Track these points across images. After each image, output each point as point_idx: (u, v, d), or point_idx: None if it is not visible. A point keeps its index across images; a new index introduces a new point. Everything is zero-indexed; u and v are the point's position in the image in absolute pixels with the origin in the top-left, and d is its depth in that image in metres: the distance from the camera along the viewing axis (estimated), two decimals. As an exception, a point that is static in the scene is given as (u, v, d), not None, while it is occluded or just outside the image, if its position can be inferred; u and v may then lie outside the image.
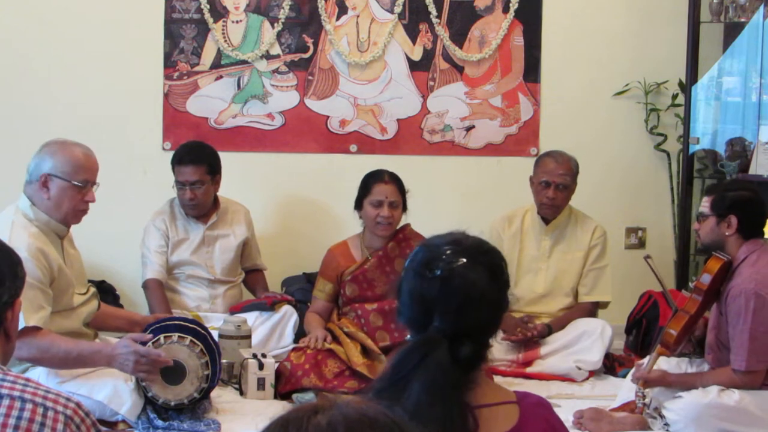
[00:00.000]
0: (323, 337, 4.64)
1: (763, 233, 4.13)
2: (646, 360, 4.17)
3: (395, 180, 4.87)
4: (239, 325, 4.71)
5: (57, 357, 3.81)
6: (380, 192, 4.81)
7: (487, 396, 1.96)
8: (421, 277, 1.98)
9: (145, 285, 5.04)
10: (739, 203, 4.03)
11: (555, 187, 5.13)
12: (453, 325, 1.93)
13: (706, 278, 4.03)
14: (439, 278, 1.96)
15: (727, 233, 4.03)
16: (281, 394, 4.50)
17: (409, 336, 2.02)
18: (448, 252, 1.99)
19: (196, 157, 5.03)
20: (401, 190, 4.86)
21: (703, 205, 4.13)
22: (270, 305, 5.06)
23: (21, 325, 3.70)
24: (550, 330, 5.05)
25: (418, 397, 1.85)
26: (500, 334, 5.06)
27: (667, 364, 4.20)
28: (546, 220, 5.25)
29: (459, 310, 1.94)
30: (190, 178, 5.01)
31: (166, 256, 5.10)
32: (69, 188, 3.96)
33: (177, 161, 5.06)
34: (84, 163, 4.00)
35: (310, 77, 5.68)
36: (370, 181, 4.87)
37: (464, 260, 1.97)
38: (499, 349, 5.02)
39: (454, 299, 1.94)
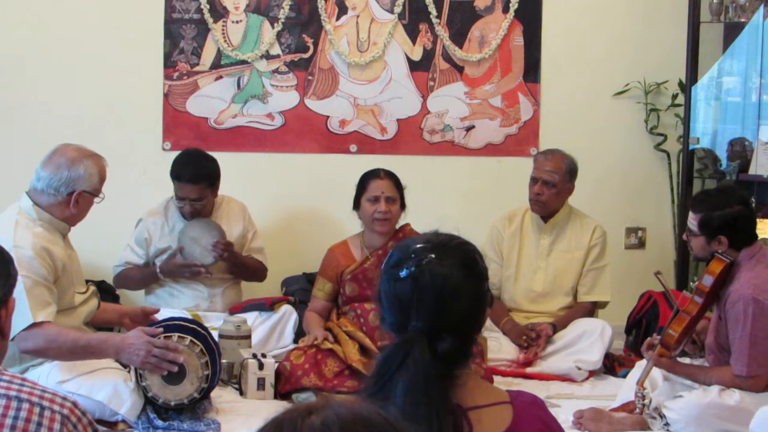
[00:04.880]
0: (323, 337, 4.65)
1: (756, 237, 4.12)
2: (646, 359, 4.16)
3: (390, 176, 4.89)
4: (239, 325, 4.71)
5: (65, 347, 3.80)
6: (376, 188, 4.83)
7: (480, 397, 1.95)
8: (393, 278, 1.98)
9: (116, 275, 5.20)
10: (728, 224, 4.00)
11: (542, 183, 5.13)
12: (430, 322, 1.93)
13: (708, 280, 4.02)
14: (409, 277, 1.96)
15: (719, 250, 4.03)
16: (281, 394, 4.50)
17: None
18: (417, 250, 1.98)
19: (194, 175, 4.98)
20: (397, 186, 4.87)
21: (691, 222, 4.09)
22: (269, 305, 5.06)
23: (29, 321, 3.71)
24: (555, 329, 5.05)
25: (402, 397, 1.85)
26: (503, 338, 5.10)
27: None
28: (544, 219, 5.25)
29: (434, 306, 1.94)
30: (190, 195, 5.00)
31: (142, 259, 5.14)
32: (92, 201, 4.05)
33: (175, 176, 5.02)
34: (105, 175, 4.06)
35: (310, 77, 5.68)
36: (366, 178, 4.90)
37: (432, 256, 1.97)
38: (500, 349, 5.03)
39: (427, 296, 1.94)
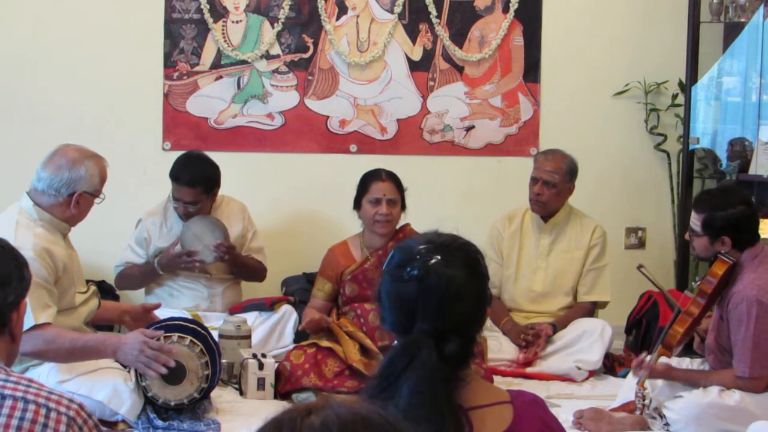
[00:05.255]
0: (320, 317, 4.67)
1: (759, 237, 4.11)
2: (647, 357, 4.14)
3: (392, 177, 4.89)
4: (239, 325, 4.71)
5: (63, 348, 3.80)
6: (378, 190, 4.83)
7: (481, 397, 1.95)
8: (397, 279, 1.97)
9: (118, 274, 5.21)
10: (731, 224, 3.98)
11: (542, 183, 5.13)
12: (436, 324, 1.92)
13: (710, 281, 4.01)
14: (415, 278, 1.94)
15: (722, 251, 4.02)
16: (281, 394, 4.50)
17: (396, 341, 2.00)
18: (422, 251, 1.97)
19: (192, 179, 4.97)
20: (399, 188, 4.87)
21: (694, 222, 4.07)
22: (269, 305, 5.06)
23: (30, 323, 3.71)
24: (554, 329, 5.05)
25: (408, 399, 1.84)
26: (503, 337, 5.10)
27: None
28: (544, 219, 5.25)
29: (439, 308, 1.93)
30: (185, 198, 4.99)
31: (142, 258, 5.14)
32: (93, 202, 4.05)
33: (174, 177, 5.02)
34: (106, 176, 4.05)
35: (310, 77, 5.68)
36: (368, 179, 4.89)
37: (438, 257, 1.96)
38: (500, 350, 5.03)
39: (432, 298, 1.93)
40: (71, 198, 3.94)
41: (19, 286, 2.14)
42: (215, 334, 4.38)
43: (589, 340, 4.98)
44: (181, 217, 5.06)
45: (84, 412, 2.01)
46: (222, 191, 5.20)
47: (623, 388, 4.33)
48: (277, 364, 4.52)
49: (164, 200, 5.18)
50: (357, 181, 4.95)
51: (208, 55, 5.60)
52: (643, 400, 4.07)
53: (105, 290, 5.18)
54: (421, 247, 1.98)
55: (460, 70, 5.78)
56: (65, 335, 3.82)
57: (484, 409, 1.93)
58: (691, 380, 4.07)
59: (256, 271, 5.24)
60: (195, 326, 4.11)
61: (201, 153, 5.21)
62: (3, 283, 2.12)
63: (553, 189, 5.14)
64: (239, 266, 5.16)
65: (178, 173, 5.01)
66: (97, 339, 3.92)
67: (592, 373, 4.96)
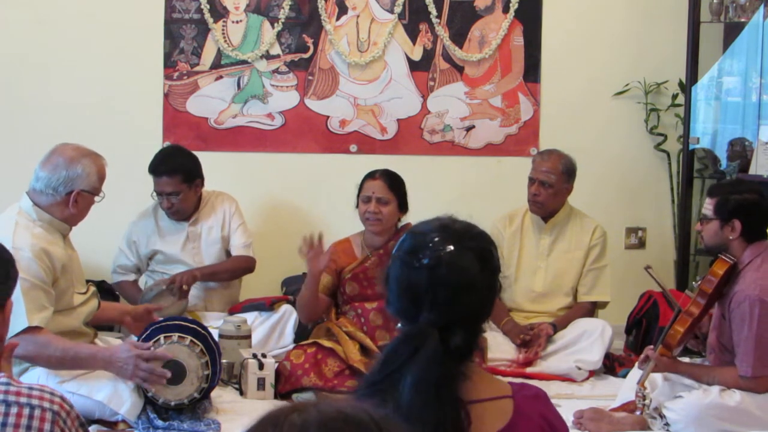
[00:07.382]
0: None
1: (766, 234, 4.11)
2: (650, 354, 4.14)
3: (386, 177, 4.86)
4: (239, 325, 4.71)
5: (54, 356, 3.80)
6: (368, 188, 4.83)
7: (482, 390, 1.91)
8: (407, 265, 1.92)
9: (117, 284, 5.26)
10: (744, 208, 3.99)
11: (538, 184, 5.13)
12: (443, 315, 1.88)
13: (711, 281, 4.01)
14: (426, 267, 1.89)
15: (731, 237, 4.01)
16: (281, 394, 4.50)
17: (399, 325, 1.96)
18: (435, 239, 1.92)
19: (169, 168, 4.97)
20: (393, 188, 4.83)
21: (706, 207, 4.08)
22: (269, 305, 5.06)
23: (24, 324, 3.70)
24: (555, 329, 5.05)
25: (411, 392, 1.80)
26: (501, 336, 5.10)
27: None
28: (544, 219, 5.25)
29: (448, 300, 1.88)
30: (166, 188, 4.99)
31: (132, 261, 5.16)
32: (92, 200, 4.04)
33: (152, 171, 5.02)
34: (105, 174, 4.05)
35: (310, 77, 5.68)
36: (363, 179, 4.90)
37: (451, 247, 1.90)
38: (500, 349, 5.03)
39: (442, 288, 1.88)
40: (69, 197, 3.94)
41: (5, 286, 2.08)
42: (215, 334, 4.38)
43: (589, 340, 4.98)
44: (167, 212, 5.05)
45: (66, 403, 1.97)
46: (222, 191, 5.20)
47: (623, 388, 4.33)
48: (277, 364, 4.52)
49: (154, 202, 5.16)
50: (357, 181, 4.95)
51: (208, 55, 5.60)
52: (644, 400, 4.07)
53: (105, 290, 5.18)
54: (434, 234, 1.93)
55: (460, 70, 5.78)
56: (57, 343, 3.81)
57: (484, 403, 1.89)
58: (695, 375, 4.07)
59: (236, 270, 5.20)
60: (195, 326, 4.11)
61: (176, 145, 5.25)
62: None
63: (549, 189, 5.14)
64: (215, 275, 5.13)
65: (155, 166, 5.03)
66: (89, 352, 3.90)
67: (592, 373, 4.96)
